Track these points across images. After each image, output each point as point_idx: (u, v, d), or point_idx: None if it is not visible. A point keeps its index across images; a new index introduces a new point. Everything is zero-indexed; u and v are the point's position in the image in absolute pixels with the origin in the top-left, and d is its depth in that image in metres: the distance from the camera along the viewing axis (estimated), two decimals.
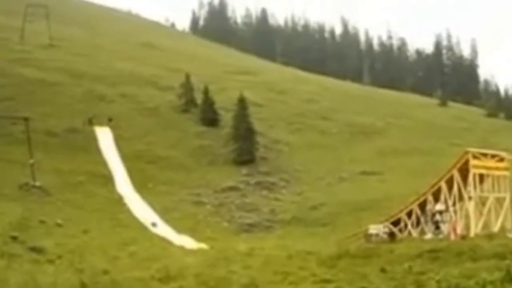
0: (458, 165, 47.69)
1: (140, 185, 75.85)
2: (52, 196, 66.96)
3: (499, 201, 47.21)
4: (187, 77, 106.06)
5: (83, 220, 60.63)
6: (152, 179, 79.07)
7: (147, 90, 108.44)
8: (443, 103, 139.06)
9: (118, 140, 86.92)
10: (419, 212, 51.25)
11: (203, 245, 52.71)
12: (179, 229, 62.00)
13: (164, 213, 67.71)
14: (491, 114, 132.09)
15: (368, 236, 47.35)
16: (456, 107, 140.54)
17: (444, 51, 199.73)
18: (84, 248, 45.83)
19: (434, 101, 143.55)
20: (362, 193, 75.46)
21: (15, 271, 35.46)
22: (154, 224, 63.09)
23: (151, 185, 77.28)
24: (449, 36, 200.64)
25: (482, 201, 47.06)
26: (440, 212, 48.02)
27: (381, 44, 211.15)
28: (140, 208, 69.03)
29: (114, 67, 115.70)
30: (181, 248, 50.39)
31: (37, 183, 67.82)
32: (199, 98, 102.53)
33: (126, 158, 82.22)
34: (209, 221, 69.14)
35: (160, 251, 46.74)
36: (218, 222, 69.09)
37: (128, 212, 67.82)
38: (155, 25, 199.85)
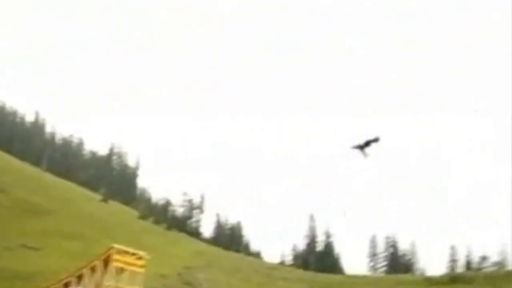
0: (103, 257, 47.82)
1: None
2: None
3: None
4: None
5: None
6: None
7: None
8: (105, 200, 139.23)
9: None
10: None
11: None
12: None
13: None
14: (143, 217, 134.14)
15: None
16: (115, 205, 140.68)
17: (114, 157, 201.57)
18: None
19: (98, 196, 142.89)
20: (23, 264, 72.17)
21: None
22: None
23: None
24: (120, 146, 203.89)
25: None
26: None
27: (63, 139, 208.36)
28: None
29: None
30: None
31: None
32: None
33: None
34: None
35: None
36: None
37: None
38: None
